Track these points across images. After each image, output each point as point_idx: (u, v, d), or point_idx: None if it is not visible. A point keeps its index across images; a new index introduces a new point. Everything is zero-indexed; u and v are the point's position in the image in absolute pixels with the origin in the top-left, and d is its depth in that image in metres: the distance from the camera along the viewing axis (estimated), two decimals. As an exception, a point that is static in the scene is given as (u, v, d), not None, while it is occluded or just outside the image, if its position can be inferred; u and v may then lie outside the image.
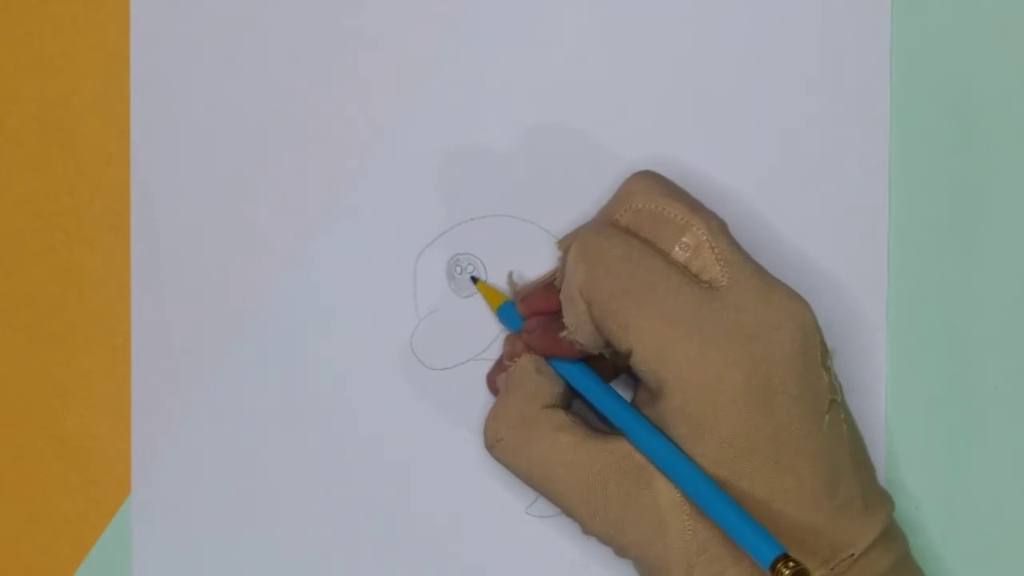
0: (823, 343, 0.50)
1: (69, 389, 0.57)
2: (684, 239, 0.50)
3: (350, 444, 0.56)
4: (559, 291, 0.52)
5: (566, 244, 0.53)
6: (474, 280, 0.55)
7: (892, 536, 0.51)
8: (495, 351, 0.55)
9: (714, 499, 0.49)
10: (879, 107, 0.55)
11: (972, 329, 0.55)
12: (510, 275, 0.55)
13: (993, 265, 0.55)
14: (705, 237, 0.50)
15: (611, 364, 0.53)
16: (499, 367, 0.54)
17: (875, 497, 0.51)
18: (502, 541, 0.56)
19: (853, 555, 0.49)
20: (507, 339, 0.54)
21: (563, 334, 0.51)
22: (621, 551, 0.51)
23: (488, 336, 0.55)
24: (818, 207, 0.55)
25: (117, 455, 0.56)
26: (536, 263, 0.55)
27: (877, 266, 0.55)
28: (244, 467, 0.56)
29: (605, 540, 0.51)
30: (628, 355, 0.50)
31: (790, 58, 0.55)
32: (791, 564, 0.47)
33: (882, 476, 0.54)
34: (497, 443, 0.52)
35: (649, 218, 0.51)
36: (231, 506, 0.56)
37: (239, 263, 0.56)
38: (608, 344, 0.51)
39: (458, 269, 0.56)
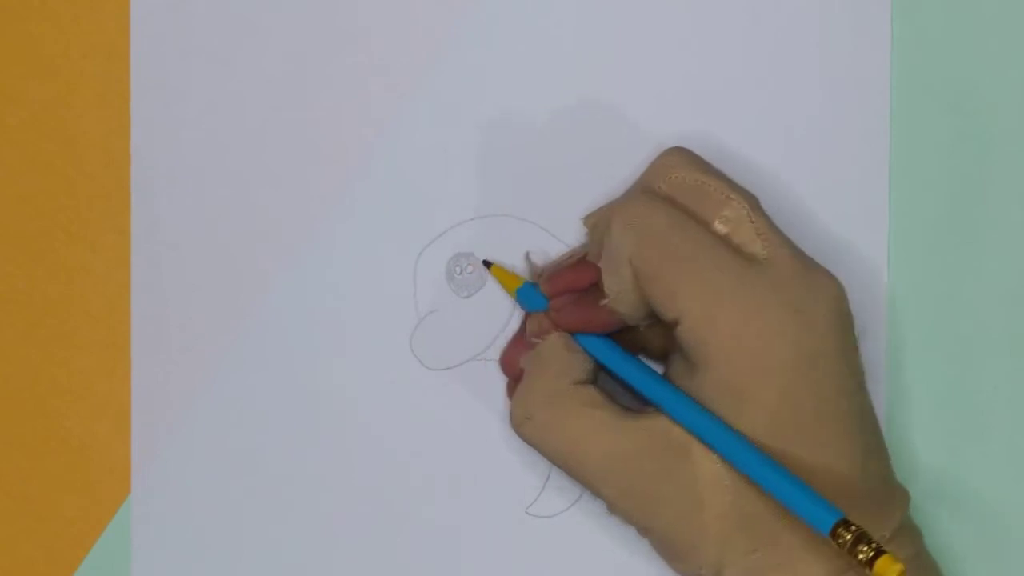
0: (854, 322, 0.51)
1: (69, 389, 0.57)
2: (725, 212, 0.51)
3: (349, 444, 0.56)
4: (592, 265, 0.52)
5: (593, 220, 0.53)
6: (487, 265, 0.55)
7: (909, 528, 0.51)
8: (495, 351, 0.55)
9: (765, 468, 0.48)
10: (879, 107, 0.55)
11: (972, 329, 0.55)
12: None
13: (993, 265, 0.55)
14: (745, 212, 0.50)
15: (636, 344, 0.53)
16: (518, 345, 0.54)
17: (894, 486, 0.51)
18: (502, 541, 0.56)
19: (885, 536, 0.49)
20: (531, 318, 0.54)
21: (604, 302, 0.51)
22: (647, 531, 0.51)
23: (488, 336, 0.55)
24: (818, 207, 0.55)
25: (117, 455, 0.56)
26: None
27: (877, 266, 0.55)
28: (244, 467, 0.56)
29: (633, 519, 0.51)
30: (674, 324, 0.50)
31: (790, 58, 0.55)
32: (853, 528, 0.46)
33: (882, 476, 0.54)
34: (526, 421, 0.51)
35: (689, 190, 0.51)
36: (231, 506, 0.56)
37: (239, 263, 0.56)
38: (647, 315, 0.51)
39: (458, 269, 0.56)
